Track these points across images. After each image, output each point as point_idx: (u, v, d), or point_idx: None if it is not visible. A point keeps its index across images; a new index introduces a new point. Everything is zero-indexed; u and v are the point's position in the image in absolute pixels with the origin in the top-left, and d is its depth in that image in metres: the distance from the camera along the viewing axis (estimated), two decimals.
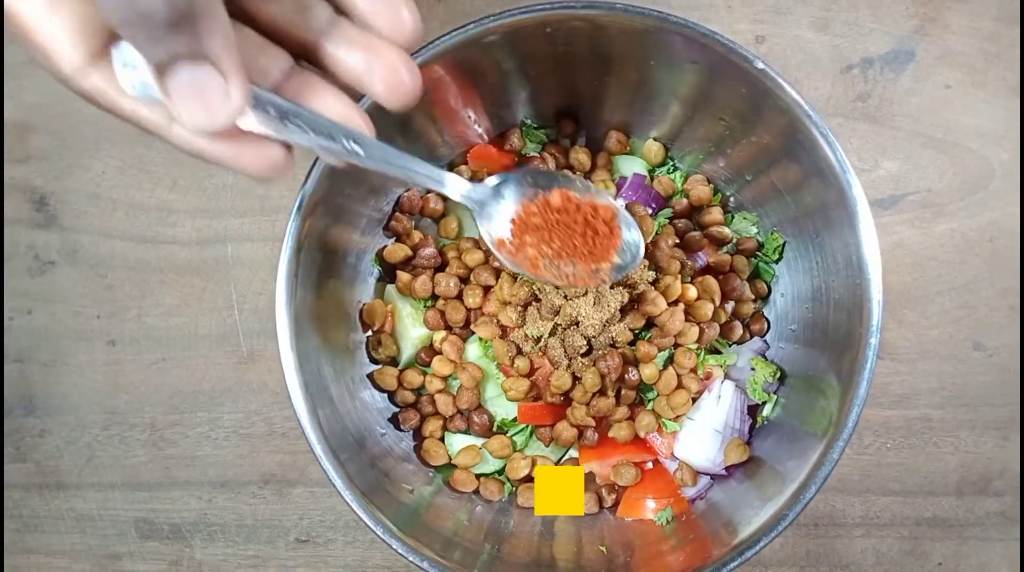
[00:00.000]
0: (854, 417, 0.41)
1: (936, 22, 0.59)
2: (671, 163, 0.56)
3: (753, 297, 0.53)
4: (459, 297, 0.52)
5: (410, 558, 0.42)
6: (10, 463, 0.57)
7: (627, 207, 0.53)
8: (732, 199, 0.54)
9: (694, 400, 0.51)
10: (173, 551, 0.57)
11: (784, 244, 0.52)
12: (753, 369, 0.52)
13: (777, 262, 0.53)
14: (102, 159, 0.60)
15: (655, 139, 0.55)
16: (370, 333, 0.53)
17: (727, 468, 0.50)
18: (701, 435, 0.50)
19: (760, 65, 0.42)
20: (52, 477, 0.58)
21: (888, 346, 0.58)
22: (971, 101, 0.59)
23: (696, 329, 0.50)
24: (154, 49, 0.27)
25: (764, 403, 0.52)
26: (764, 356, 0.53)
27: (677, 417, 0.50)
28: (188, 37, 0.27)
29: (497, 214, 0.41)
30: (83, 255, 0.59)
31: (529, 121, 0.55)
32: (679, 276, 0.50)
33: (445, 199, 0.55)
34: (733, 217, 0.54)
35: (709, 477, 0.51)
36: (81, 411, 0.58)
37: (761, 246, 0.53)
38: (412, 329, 0.53)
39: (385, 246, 0.53)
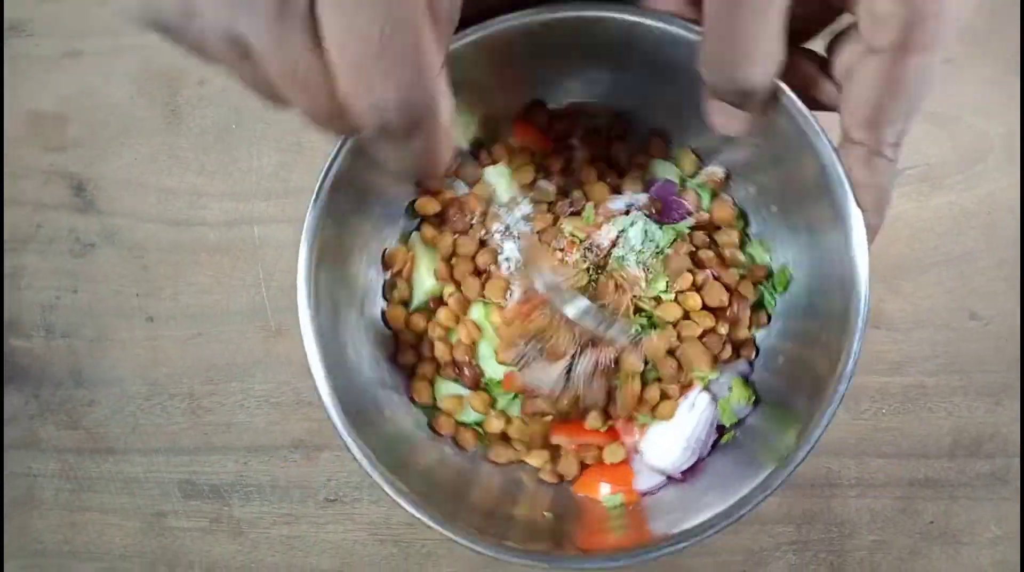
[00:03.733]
0: (800, 457, 0.43)
1: None
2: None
3: (749, 324, 0.53)
4: (474, 259, 0.54)
5: (378, 479, 0.45)
6: (64, 429, 0.63)
7: (650, 200, 0.55)
8: (754, 225, 0.55)
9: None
10: (213, 509, 0.62)
11: (791, 280, 0.52)
12: (730, 389, 0.53)
13: (782, 294, 0.53)
14: (132, 147, 0.64)
15: (693, 150, 0.55)
16: (388, 275, 0.56)
17: (683, 473, 0.52)
18: (668, 437, 0.52)
19: (799, 105, 0.43)
20: (101, 443, 0.63)
21: (884, 316, 0.60)
22: (971, 75, 0.60)
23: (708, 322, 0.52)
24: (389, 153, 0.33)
25: (732, 425, 0.53)
26: (746, 379, 0.54)
27: (655, 414, 0.52)
28: (418, 140, 0.31)
29: None
30: (120, 238, 0.64)
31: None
32: (689, 280, 0.52)
33: (482, 166, 0.56)
34: (750, 241, 0.55)
35: (666, 477, 0.53)
36: (125, 383, 0.63)
37: (770, 276, 0.53)
38: (426, 279, 0.55)
39: (416, 199, 0.55)
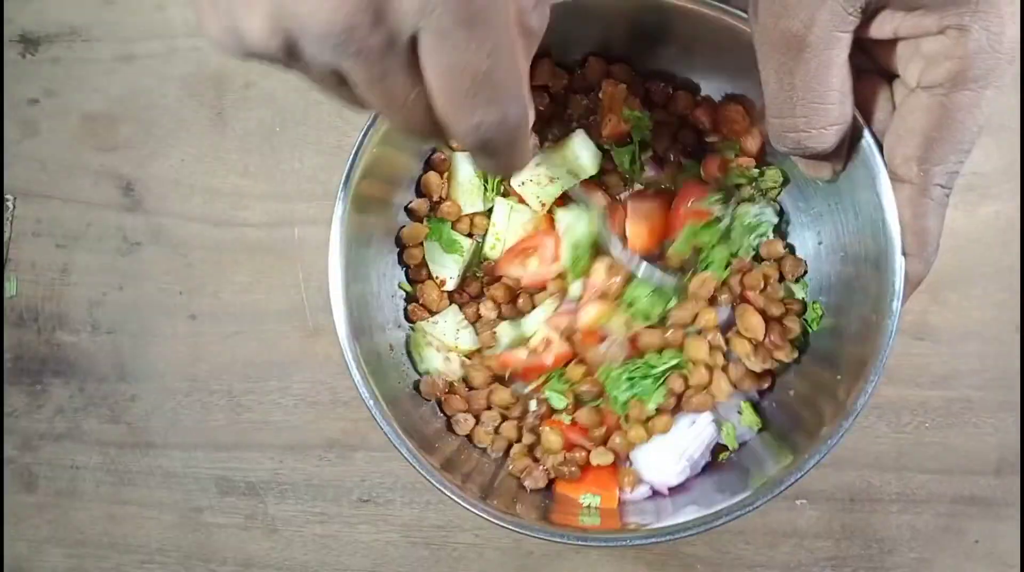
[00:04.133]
0: (787, 484, 0.43)
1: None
2: None
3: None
4: None
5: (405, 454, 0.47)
6: (107, 423, 0.64)
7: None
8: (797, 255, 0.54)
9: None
10: (249, 506, 0.62)
11: (822, 316, 0.51)
12: (739, 413, 0.52)
13: (813, 331, 0.52)
14: (180, 148, 0.66)
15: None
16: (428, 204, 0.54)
17: (669, 489, 0.51)
18: (662, 451, 0.51)
19: (873, 147, 0.42)
20: (142, 437, 0.64)
21: (929, 327, 0.59)
22: (1018, 84, 0.58)
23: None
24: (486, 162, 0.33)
25: (727, 449, 0.52)
26: (756, 405, 0.53)
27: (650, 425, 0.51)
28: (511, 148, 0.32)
29: None
30: (165, 236, 0.65)
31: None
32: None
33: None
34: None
35: (650, 489, 0.52)
36: (166, 378, 0.64)
37: (804, 310, 0.52)
38: (463, 167, 0.52)
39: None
